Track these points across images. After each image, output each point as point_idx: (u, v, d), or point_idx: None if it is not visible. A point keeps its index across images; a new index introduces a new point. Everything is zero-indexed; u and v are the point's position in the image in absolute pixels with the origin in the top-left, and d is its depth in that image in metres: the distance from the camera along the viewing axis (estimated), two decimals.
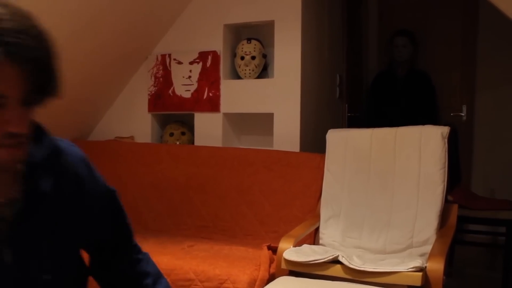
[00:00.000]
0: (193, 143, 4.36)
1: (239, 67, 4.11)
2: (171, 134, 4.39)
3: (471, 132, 5.28)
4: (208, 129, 4.23)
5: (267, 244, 3.17)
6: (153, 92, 4.46)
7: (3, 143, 1.04)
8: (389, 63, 5.30)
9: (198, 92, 4.25)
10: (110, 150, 4.15)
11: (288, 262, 2.73)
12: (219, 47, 4.18)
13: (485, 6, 4.95)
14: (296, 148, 3.89)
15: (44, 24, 1.10)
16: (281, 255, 2.76)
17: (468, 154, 5.22)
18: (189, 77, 4.29)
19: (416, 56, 5.27)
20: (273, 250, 3.01)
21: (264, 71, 4.17)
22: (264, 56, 4.11)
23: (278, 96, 3.95)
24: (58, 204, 1.23)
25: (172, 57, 4.37)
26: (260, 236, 3.50)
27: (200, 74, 4.24)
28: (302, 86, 3.91)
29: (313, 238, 3.31)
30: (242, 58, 4.07)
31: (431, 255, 2.58)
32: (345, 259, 2.61)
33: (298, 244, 2.93)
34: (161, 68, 4.41)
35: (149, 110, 4.51)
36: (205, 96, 4.22)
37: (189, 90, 4.29)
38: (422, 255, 2.88)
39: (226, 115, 4.20)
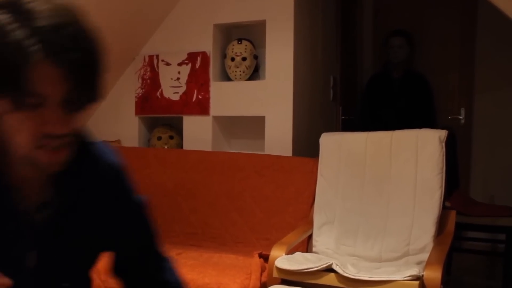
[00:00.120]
0: (181, 147, 4.35)
1: (230, 68, 4.11)
2: (159, 138, 4.38)
3: (470, 136, 5.29)
4: (197, 132, 4.22)
5: (258, 251, 3.17)
6: (140, 94, 4.46)
7: (42, 144, 1.04)
8: (385, 64, 5.30)
9: (187, 94, 4.25)
10: None
11: (280, 270, 2.73)
12: (209, 47, 4.18)
13: (483, 5, 4.95)
14: (289, 153, 3.89)
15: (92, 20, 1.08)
16: (273, 263, 2.76)
17: (467, 158, 5.23)
18: (178, 79, 4.29)
19: (413, 57, 5.27)
20: (265, 258, 3.01)
21: (255, 73, 4.17)
22: (255, 57, 4.11)
23: (269, 99, 3.96)
24: (86, 212, 1.24)
25: (160, 58, 4.36)
26: (251, 243, 3.49)
27: (189, 75, 4.24)
28: (294, 88, 3.91)
29: (306, 246, 3.31)
30: (233, 59, 4.08)
31: (428, 263, 2.59)
32: (339, 267, 2.61)
33: (290, 252, 2.93)
34: (148, 69, 4.41)
35: (136, 113, 4.50)
36: (194, 99, 4.22)
37: (177, 93, 4.29)
38: (419, 263, 2.88)
39: (216, 118, 4.20)
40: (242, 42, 4.09)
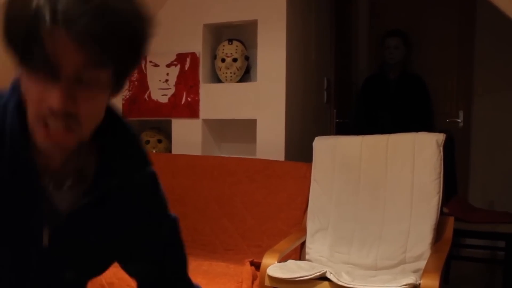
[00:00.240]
0: (170, 151, 4.35)
1: (220, 70, 4.11)
2: (147, 142, 4.38)
3: (468, 140, 5.31)
4: (187, 136, 4.22)
5: (250, 259, 3.16)
6: (127, 96, 4.45)
7: (44, 120, 0.99)
8: (380, 65, 5.32)
9: (175, 96, 4.25)
10: None
11: (272, 278, 2.73)
12: (198, 48, 4.18)
13: (483, 5, 4.97)
14: (281, 157, 3.89)
15: None
16: (265, 271, 2.76)
17: (465, 163, 5.24)
18: (166, 80, 4.29)
19: (409, 58, 5.30)
20: (256, 266, 3.01)
21: (246, 74, 4.17)
22: (247, 58, 4.11)
23: (261, 101, 3.96)
24: (112, 210, 1.22)
25: (148, 59, 4.36)
26: (242, 251, 3.49)
27: (178, 77, 4.24)
28: (287, 90, 3.92)
29: (299, 253, 3.31)
30: (223, 60, 4.08)
31: (426, 271, 2.59)
32: (333, 275, 2.61)
33: (283, 259, 2.93)
34: (136, 71, 4.40)
35: (123, 116, 4.48)
36: (183, 101, 4.21)
37: (166, 95, 4.29)
38: (415, 271, 2.89)
39: (205, 121, 4.20)
40: (233, 42, 4.09)
